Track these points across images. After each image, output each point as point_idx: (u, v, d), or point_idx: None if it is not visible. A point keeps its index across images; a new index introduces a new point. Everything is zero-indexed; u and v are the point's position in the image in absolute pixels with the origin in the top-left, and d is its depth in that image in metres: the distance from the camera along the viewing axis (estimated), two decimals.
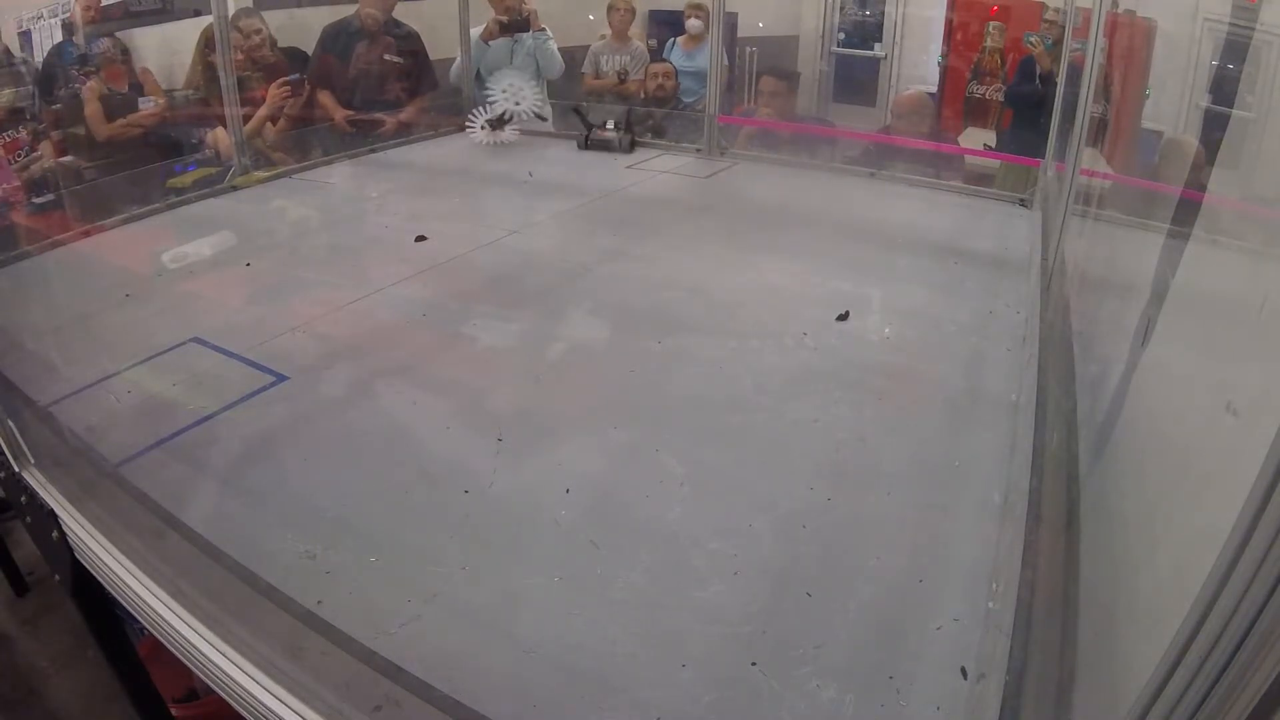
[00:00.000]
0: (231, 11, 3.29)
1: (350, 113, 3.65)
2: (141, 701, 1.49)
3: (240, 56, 3.29)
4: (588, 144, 3.69)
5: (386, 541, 1.23)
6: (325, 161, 3.47)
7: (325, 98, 3.63)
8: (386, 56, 3.66)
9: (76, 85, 3.43)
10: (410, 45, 3.76)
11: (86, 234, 2.65)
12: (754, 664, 1.00)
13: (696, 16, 3.96)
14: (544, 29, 3.93)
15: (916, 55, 4.98)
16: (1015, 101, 3.91)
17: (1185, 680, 0.50)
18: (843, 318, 1.96)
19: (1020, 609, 0.95)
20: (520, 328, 2.00)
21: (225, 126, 3.32)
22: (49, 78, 3.66)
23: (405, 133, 3.81)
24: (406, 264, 2.29)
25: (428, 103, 3.95)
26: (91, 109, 3.35)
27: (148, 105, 3.51)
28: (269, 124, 3.49)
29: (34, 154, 3.34)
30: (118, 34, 3.69)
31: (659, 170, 3.39)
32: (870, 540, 1.23)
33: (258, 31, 3.53)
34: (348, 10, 3.71)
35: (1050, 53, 3.52)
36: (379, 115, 3.74)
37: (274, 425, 1.54)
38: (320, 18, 3.80)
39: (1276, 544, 0.44)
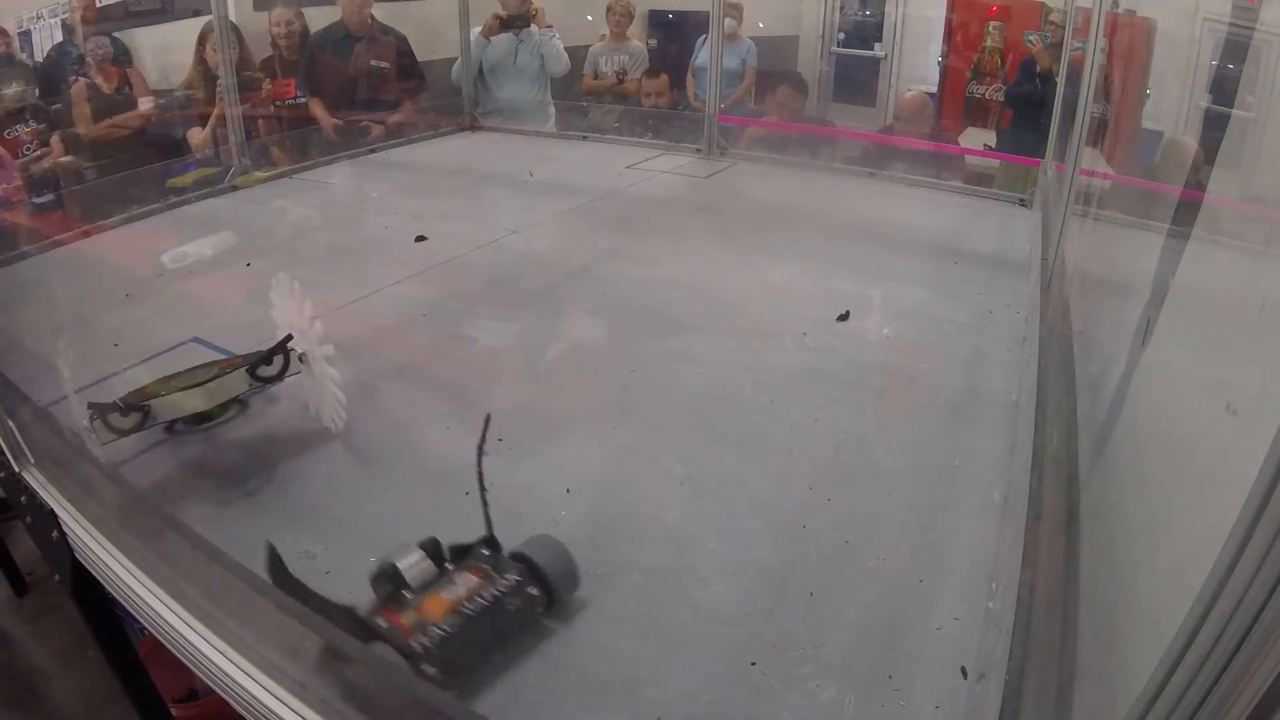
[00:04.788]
0: (231, 12, 3.29)
1: (338, 121, 3.65)
2: (141, 701, 1.49)
3: (236, 53, 3.28)
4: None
5: (387, 541, 1.23)
6: (325, 161, 3.47)
7: (315, 105, 3.63)
8: (374, 62, 3.66)
9: (69, 84, 3.44)
10: (398, 48, 3.76)
11: (86, 234, 2.65)
12: (753, 664, 1.00)
13: (731, 15, 3.85)
14: (550, 27, 3.93)
15: (916, 55, 4.98)
16: (1015, 101, 3.91)
17: (1185, 680, 0.50)
18: (843, 318, 1.95)
19: (1020, 609, 0.95)
20: (520, 328, 2.00)
21: (207, 126, 3.34)
22: (50, 77, 3.67)
23: (399, 135, 3.81)
24: (406, 264, 2.29)
25: (420, 104, 3.95)
26: (79, 110, 3.36)
27: (148, 105, 3.51)
28: (262, 121, 3.51)
29: (37, 152, 3.35)
30: (116, 34, 3.70)
31: (659, 170, 3.39)
32: (870, 540, 1.23)
33: (289, 23, 3.54)
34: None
35: (1049, 51, 3.52)
36: (368, 121, 3.74)
37: (274, 425, 1.54)
38: (320, 17, 3.80)
39: (1276, 544, 0.44)
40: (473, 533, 1.24)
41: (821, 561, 1.19)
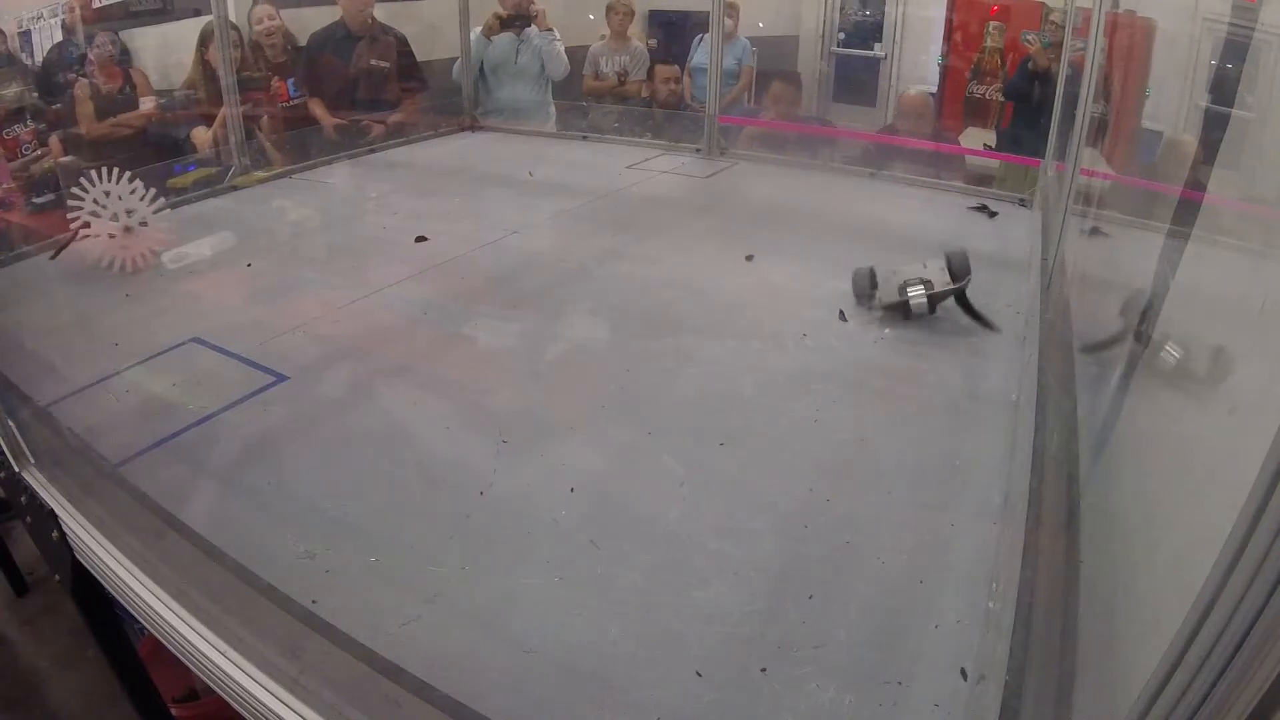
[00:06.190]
0: (231, 12, 3.29)
1: (338, 120, 3.65)
2: (141, 701, 1.49)
3: (237, 54, 3.28)
4: None
5: (386, 541, 1.23)
6: (325, 161, 3.47)
7: (315, 105, 3.63)
8: (374, 62, 3.66)
9: (69, 84, 3.44)
10: (397, 48, 3.75)
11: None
12: (763, 670, 1.00)
13: (729, 15, 3.84)
14: (551, 29, 3.93)
15: (916, 55, 4.99)
16: (1012, 95, 3.92)
17: (1185, 680, 0.50)
18: (844, 318, 1.96)
19: (1020, 609, 0.95)
20: (520, 328, 2.00)
21: (211, 125, 3.34)
22: (48, 77, 3.66)
23: (399, 134, 3.81)
24: (406, 264, 2.29)
25: (419, 104, 3.95)
26: (82, 109, 3.36)
27: (150, 105, 3.51)
28: (265, 119, 3.51)
29: (35, 153, 3.35)
30: (117, 34, 3.69)
31: (659, 170, 3.39)
32: (870, 540, 1.23)
33: (271, 18, 3.53)
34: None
35: (1047, 51, 3.52)
36: (367, 121, 3.74)
37: (274, 425, 1.54)
38: (320, 18, 3.80)
39: (1276, 544, 0.44)
40: (472, 533, 1.25)
41: (822, 562, 1.19)
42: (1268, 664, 0.45)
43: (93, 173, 2.21)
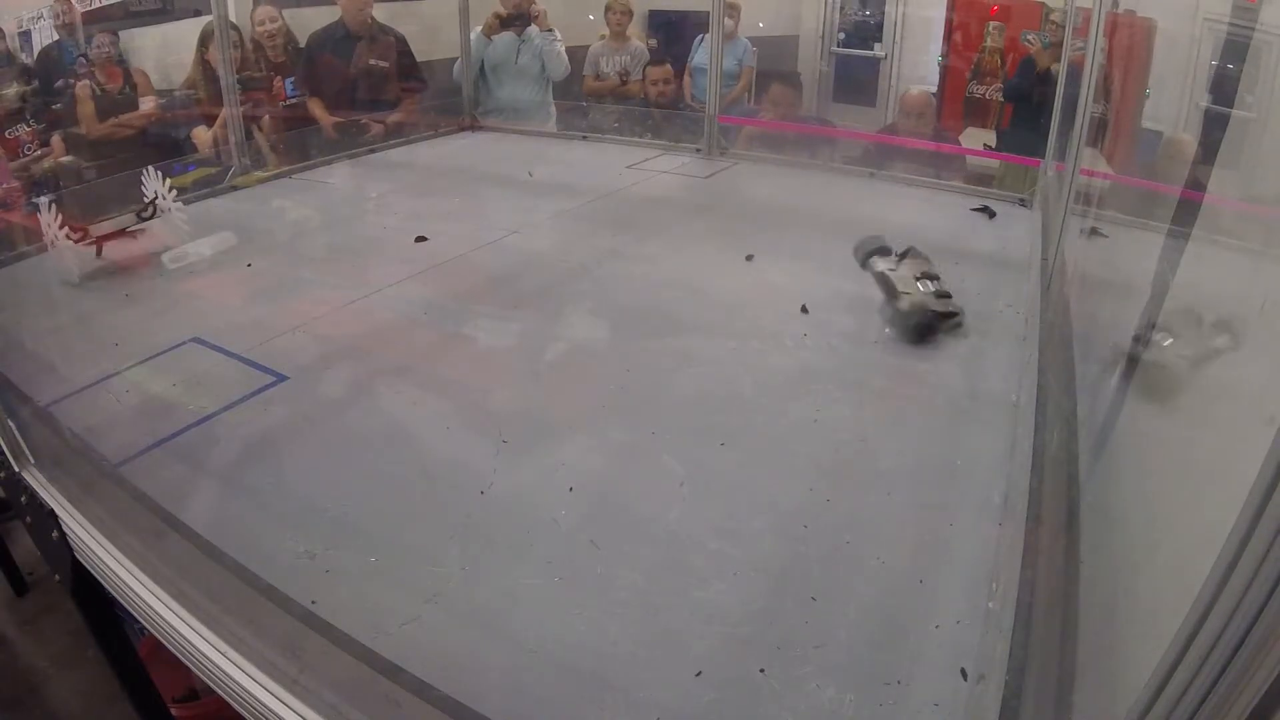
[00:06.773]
0: (231, 12, 3.29)
1: (337, 120, 3.65)
2: (141, 701, 1.49)
3: (237, 54, 3.28)
4: None
5: (386, 541, 1.23)
6: (325, 161, 3.47)
7: (315, 105, 3.63)
8: (374, 62, 3.66)
9: (70, 84, 3.44)
10: (396, 48, 3.75)
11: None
12: (762, 670, 1.00)
13: (729, 15, 3.82)
14: (552, 29, 3.93)
15: (916, 55, 4.98)
16: (1012, 95, 3.92)
17: (1185, 680, 0.50)
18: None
19: (1020, 609, 0.95)
20: (520, 328, 2.00)
21: (214, 125, 3.34)
22: (43, 76, 3.66)
23: (397, 134, 3.81)
24: (406, 264, 2.29)
25: (418, 104, 3.94)
26: (83, 109, 3.36)
27: (150, 105, 3.51)
28: (266, 119, 3.51)
29: (38, 152, 3.35)
30: (116, 34, 3.69)
31: (659, 170, 3.39)
32: (870, 540, 1.23)
33: (273, 20, 3.53)
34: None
35: (1048, 51, 3.52)
36: (367, 121, 3.73)
37: (274, 425, 1.54)
38: (319, 18, 3.80)
39: (1276, 544, 0.44)
40: (472, 533, 1.25)
41: (822, 562, 1.19)
42: (1268, 664, 0.45)
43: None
